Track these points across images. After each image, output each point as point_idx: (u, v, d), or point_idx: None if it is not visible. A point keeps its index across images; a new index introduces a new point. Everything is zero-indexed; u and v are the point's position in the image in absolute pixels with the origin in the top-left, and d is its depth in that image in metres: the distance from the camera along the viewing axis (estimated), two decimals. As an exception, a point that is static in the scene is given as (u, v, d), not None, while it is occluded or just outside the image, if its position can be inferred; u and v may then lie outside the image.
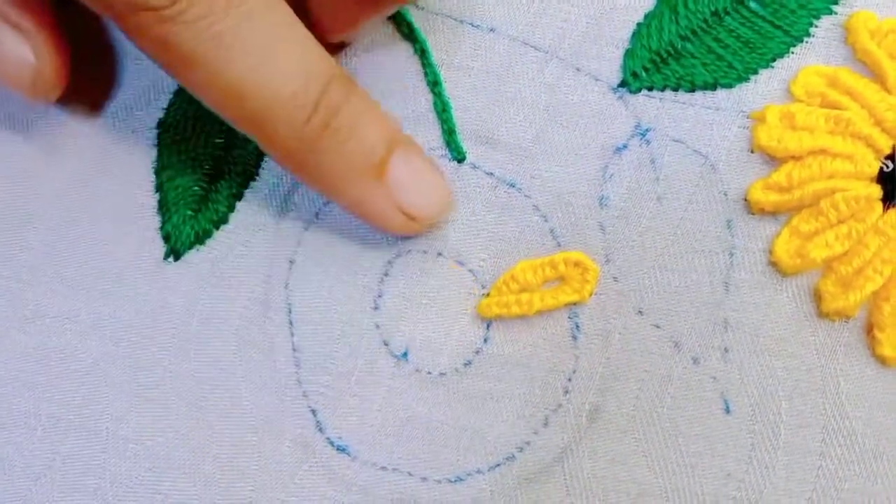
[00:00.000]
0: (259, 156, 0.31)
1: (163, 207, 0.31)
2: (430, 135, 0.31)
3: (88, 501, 0.30)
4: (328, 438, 0.29)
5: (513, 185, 0.31)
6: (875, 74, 0.30)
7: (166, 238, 0.31)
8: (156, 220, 0.31)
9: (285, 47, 0.27)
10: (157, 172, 0.31)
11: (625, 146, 0.30)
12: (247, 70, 0.27)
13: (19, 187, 0.32)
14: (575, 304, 0.29)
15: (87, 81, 0.32)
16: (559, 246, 0.30)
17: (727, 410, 0.29)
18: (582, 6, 0.31)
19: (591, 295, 0.29)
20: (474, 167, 0.31)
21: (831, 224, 0.29)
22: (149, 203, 0.31)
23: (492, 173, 0.31)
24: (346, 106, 0.28)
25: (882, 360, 0.28)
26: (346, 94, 0.28)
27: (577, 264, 0.29)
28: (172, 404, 0.30)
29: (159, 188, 0.31)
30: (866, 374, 0.28)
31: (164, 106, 0.32)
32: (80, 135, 0.32)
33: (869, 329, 0.29)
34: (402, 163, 0.29)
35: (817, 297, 0.29)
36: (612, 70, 0.31)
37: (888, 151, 0.29)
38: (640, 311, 0.29)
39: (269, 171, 0.31)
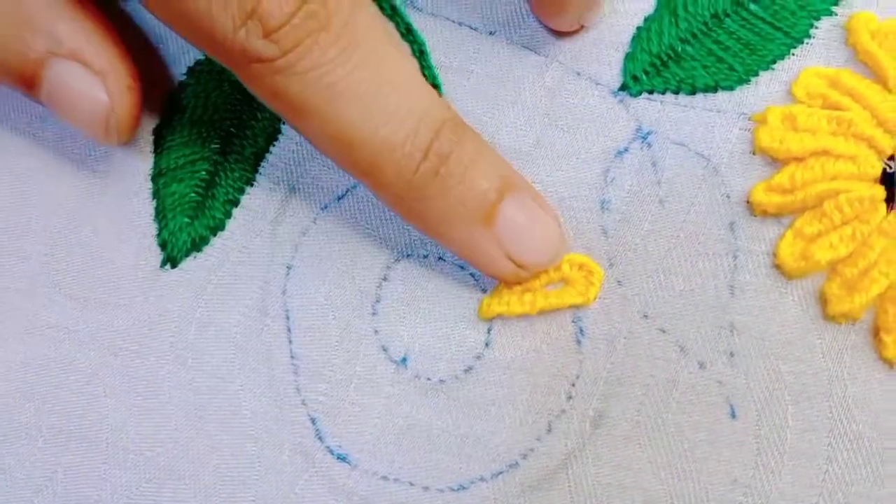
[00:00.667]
0: (256, 161, 0.31)
1: (159, 215, 0.31)
2: None
3: (87, 513, 0.29)
4: (328, 447, 0.29)
5: (513, 190, 0.30)
6: (876, 75, 0.30)
7: (163, 246, 0.31)
8: (153, 228, 0.31)
9: (397, 93, 0.27)
10: (154, 179, 0.31)
11: (626, 149, 0.30)
12: (357, 119, 0.27)
13: (16, 198, 0.32)
14: (578, 307, 0.29)
15: None
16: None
17: (733, 415, 0.28)
18: (581, 10, 0.31)
19: (595, 298, 0.29)
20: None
21: (835, 226, 0.28)
22: (146, 211, 0.31)
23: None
24: (458, 151, 0.28)
25: (889, 363, 0.28)
26: (457, 139, 0.28)
27: (581, 267, 0.29)
28: (172, 414, 0.30)
29: (156, 195, 0.31)
30: (873, 377, 0.28)
31: (161, 112, 0.32)
32: (76, 143, 0.32)
33: (875, 332, 0.28)
34: (514, 208, 0.28)
35: (823, 299, 0.29)
36: (613, 74, 0.31)
37: (891, 152, 0.29)
38: (645, 315, 0.29)
39: (267, 176, 0.31)
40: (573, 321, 0.29)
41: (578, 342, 0.29)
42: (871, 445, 0.28)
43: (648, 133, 0.30)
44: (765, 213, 0.29)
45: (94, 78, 0.29)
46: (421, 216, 0.28)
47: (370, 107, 0.27)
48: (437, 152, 0.27)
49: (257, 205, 0.31)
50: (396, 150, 0.27)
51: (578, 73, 0.31)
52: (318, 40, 0.26)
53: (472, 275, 0.30)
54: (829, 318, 0.28)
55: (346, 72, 0.26)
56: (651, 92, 0.31)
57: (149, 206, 0.31)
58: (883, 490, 0.28)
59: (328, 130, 0.27)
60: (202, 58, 0.32)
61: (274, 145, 0.31)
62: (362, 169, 0.28)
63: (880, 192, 0.29)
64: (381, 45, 0.27)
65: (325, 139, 0.27)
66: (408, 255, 0.30)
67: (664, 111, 0.30)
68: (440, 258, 0.30)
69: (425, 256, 0.30)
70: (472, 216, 0.28)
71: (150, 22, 0.32)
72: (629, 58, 0.31)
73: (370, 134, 0.27)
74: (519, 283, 0.29)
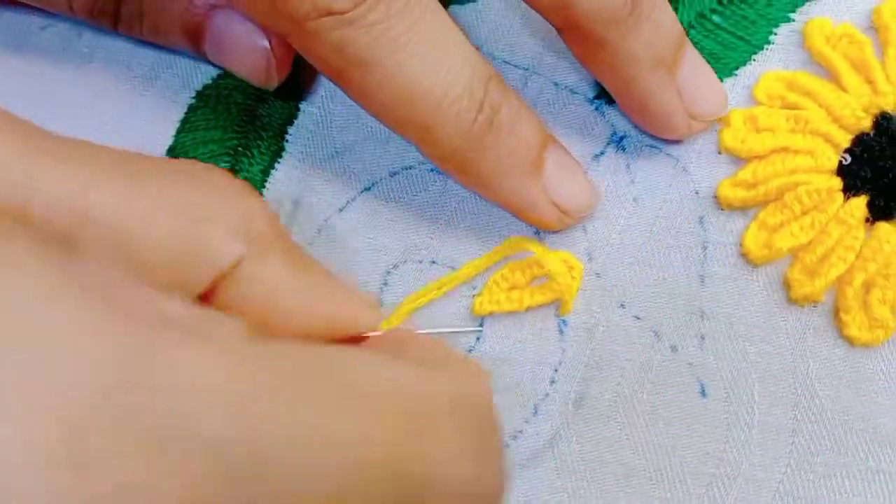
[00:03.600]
0: (263, 178, 0.34)
1: None
2: (415, 150, 0.32)
3: None
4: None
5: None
6: (831, 75, 0.32)
7: None
8: None
9: (452, 49, 0.28)
10: None
11: (602, 153, 0.33)
12: (419, 72, 0.27)
13: None
14: (561, 301, 0.31)
15: (102, 111, 0.35)
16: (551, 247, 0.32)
17: (703, 394, 0.31)
18: (558, 26, 0.34)
19: (577, 290, 0.31)
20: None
21: (796, 216, 0.31)
22: None
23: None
24: (506, 104, 0.29)
25: (849, 341, 0.30)
26: (504, 93, 0.29)
27: (563, 261, 0.32)
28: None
29: None
30: (835, 354, 0.30)
31: (173, 133, 0.34)
32: None
33: (836, 312, 0.30)
34: (555, 159, 0.30)
35: (786, 284, 0.31)
36: (588, 84, 0.34)
37: (846, 146, 0.31)
38: (622, 305, 0.31)
39: (274, 190, 0.34)
40: (556, 314, 0.32)
41: (561, 332, 0.31)
42: (833, 418, 0.30)
43: (622, 137, 0.33)
44: (731, 207, 0.31)
45: (253, 26, 0.31)
46: (474, 168, 0.29)
47: (431, 61, 0.27)
48: (489, 105, 0.29)
49: None
50: (456, 102, 0.28)
51: (556, 84, 0.34)
52: None
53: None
54: (792, 301, 0.31)
55: (409, 25, 0.27)
56: (625, 99, 0.33)
57: None
58: (846, 458, 0.30)
59: (390, 85, 0.28)
60: (210, 81, 0.35)
61: (279, 162, 0.34)
62: (419, 124, 0.28)
63: (837, 182, 0.31)
64: (433, 2, 0.28)
65: (384, 95, 0.28)
66: (404, 262, 0.33)
67: (637, 117, 0.33)
68: (433, 262, 0.33)
69: (420, 262, 0.33)
70: (522, 165, 0.30)
71: (160, 49, 0.35)
72: (604, 69, 0.34)
73: (431, 87, 0.28)
74: (562, 229, 0.31)
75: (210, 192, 0.23)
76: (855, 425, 0.30)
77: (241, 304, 0.25)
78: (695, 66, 0.31)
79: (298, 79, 0.34)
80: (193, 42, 0.32)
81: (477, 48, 0.34)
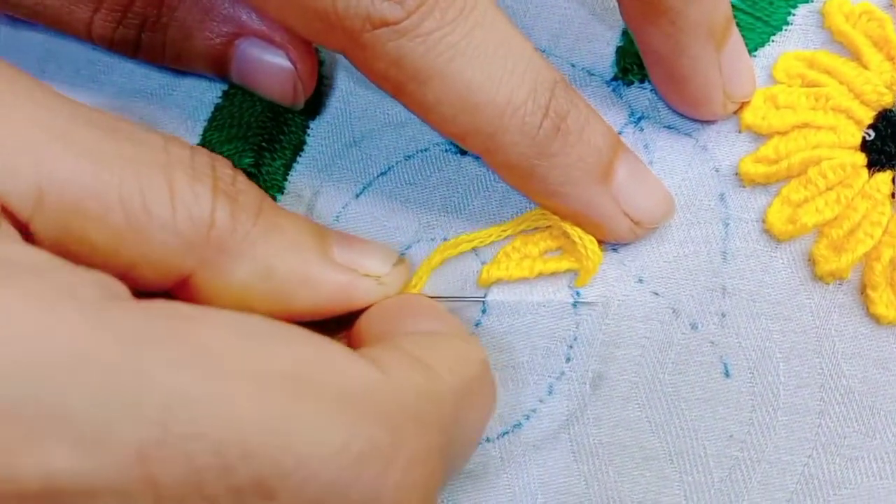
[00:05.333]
0: (285, 172, 0.33)
1: None
2: (431, 131, 0.32)
3: None
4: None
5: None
6: (852, 54, 0.31)
7: None
8: None
9: (513, 53, 0.27)
10: None
11: (620, 133, 0.32)
12: (480, 79, 0.26)
13: None
14: (575, 271, 0.30)
15: (132, 111, 0.34)
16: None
17: (727, 374, 0.29)
18: (575, 8, 0.34)
19: (593, 265, 0.30)
20: (477, 158, 0.32)
21: (820, 191, 0.30)
22: None
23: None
24: (573, 109, 0.28)
25: (876, 319, 0.29)
26: (570, 98, 0.28)
27: (577, 236, 0.31)
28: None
29: None
30: (861, 332, 0.29)
31: (200, 132, 0.34)
32: None
33: (862, 289, 0.29)
34: (627, 166, 0.29)
35: (812, 261, 0.30)
36: (605, 66, 0.33)
37: (869, 121, 0.30)
38: (640, 280, 0.30)
39: (294, 184, 0.33)
40: (569, 285, 0.31)
41: (574, 305, 0.30)
42: (861, 399, 0.29)
43: (640, 118, 0.32)
44: (753, 183, 0.31)
45: (278, 50, 0.31)
46: (542, 176, 0.28)
47: (491, 67, 0.26)
48: (555, 110, 0.27)
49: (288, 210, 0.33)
50: (520, 108, 0.27)
51: (573, 65, 0.33)
52: (438, 1, 0.26)
53: (473, 251, 0.31)
54: (817, 278, 0.30)
55: (466, 31, 0.26)
56: (642, 81, 0.33)
57: None
58: (874, 441, 0.28)
59: (450, 94, 0.27)
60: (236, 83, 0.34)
61: (300, 155, 0.34)
62: (483, 133, 0.27)
63: (861, 158, 0.30)
64: (491, 6, 0.27)
65: (446, 104, 0.27)
66: (418, 241, 0.32)
67: (655, 98, 0.32)
68: (445, 239, 0.32)
69: (433, 240, 0.32)
70: (592, 173, 0.28)
71: None
72: (620, 51, 0.33)
73: (493, 94, 0.27)
74: (634, 240, 0.30)
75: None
76: (883, 406, 0.29)
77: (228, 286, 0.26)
78: (738, 46, 0.30)
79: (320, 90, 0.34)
80: (218, 69, 0.33)
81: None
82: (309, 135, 0.34)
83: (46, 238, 0.23)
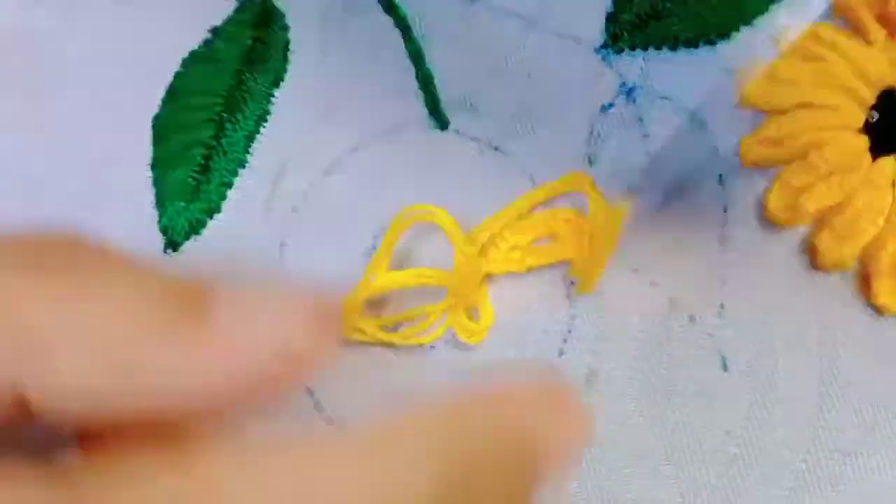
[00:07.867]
0: (247, 144, 0.31)
1: (160, 201, 0.30)
2: (413, 106, 0.30)
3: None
4: (327, 417, 0.28)
5: (497, 149, 0.30)
6: (855, 29, 0.30)
7: (164, 231, 0.30)
8: (155, 215, 0.30)
9: None
10: (153, 167, 0.30)
11: (611, 105, 0.30)
12: None
13: (18, 194, 0.30)
14: (569, 261, 0.29)
15: (83, 82, 0.31)
16: (549, 205, 0.29)
17: (724, 367, 0.28)
18: (562, -29, 0.31)
19: (586, 251, 0.29)
20: (458, 133, 0.30)
21: (822, 176, 0.29)
22: (147, 199, 0.30)
23: (476, 138, 0.30)
24: None
25: (879, 310, 0.28)
26: None
27: (567, 220, 0.29)
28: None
29: (156, 183, 0.30)
30: (861, 324, 0.28)
31: (159, 101, 0.31)
32: (78, 136, 0.31)
33: (865, 279, 0.28)
34: None
35: (812, 250, 0.29)
36: (594, 33, 0.31)
37: (872, 102, 0.29)
38: (635, 270, 0.29)
39: (257, 157, 0.30)
40: (563, 277, 0.29)
41: (568, 297, 0.29)
42: (860, 393, 0.28)
43: (632, 88, 0.30)
44: (754, 165, 0.29)
45: None
46: None
47: None
48: None
49: (249, 185, 0.30)
50: None
51: (559, 35, 0.31)
52: None
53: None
54: (818, 267, 0.29)
55: None
56: (633, 48, 0.31)
57: (150, 195, 0.30)
58: (874, 435, 0.28)
59: None
60: (196, 48, 0.31)
61: (263, 126, 0.31)
62: None
63: (864, 141, 0.29)
64: None
65: None
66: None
67: (647, 66, 0.30)
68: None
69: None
70: None
71: (146, 13, 0.31)
72: (610, 17, 0.31)
73: None
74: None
75: None
76: (883, 400, 0.28)
77: None
78: None
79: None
80: None
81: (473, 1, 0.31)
82: (273, 103, 0.31)
83: None
